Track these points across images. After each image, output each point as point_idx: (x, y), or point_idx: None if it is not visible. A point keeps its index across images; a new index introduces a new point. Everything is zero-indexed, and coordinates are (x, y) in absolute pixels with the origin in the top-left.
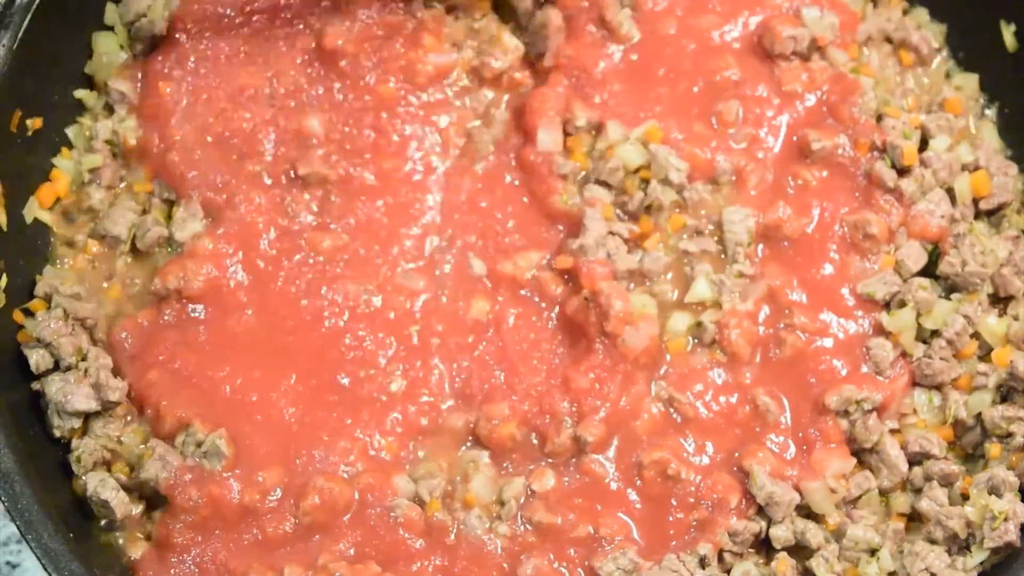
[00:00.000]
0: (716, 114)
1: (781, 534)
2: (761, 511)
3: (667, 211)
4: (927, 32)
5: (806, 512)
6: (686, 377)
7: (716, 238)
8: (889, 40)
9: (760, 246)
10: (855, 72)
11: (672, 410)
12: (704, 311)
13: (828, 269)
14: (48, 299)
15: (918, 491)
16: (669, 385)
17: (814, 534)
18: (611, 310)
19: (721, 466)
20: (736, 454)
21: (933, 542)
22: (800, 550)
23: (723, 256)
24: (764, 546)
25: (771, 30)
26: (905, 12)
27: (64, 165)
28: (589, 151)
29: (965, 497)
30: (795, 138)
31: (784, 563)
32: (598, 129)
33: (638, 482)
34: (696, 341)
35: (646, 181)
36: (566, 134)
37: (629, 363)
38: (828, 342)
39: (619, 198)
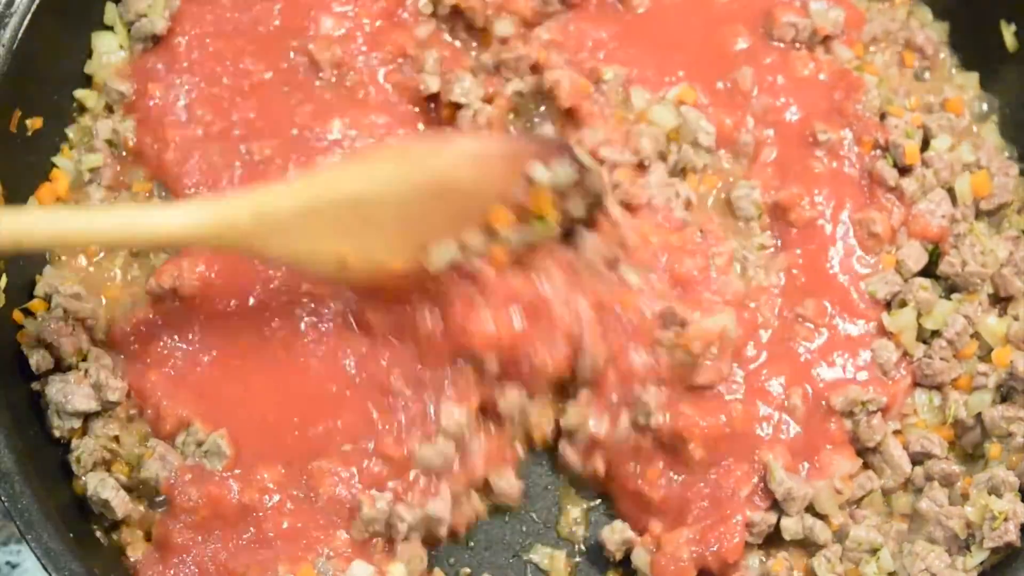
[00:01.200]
0: (732, 82)
1: (792, 526)
2: (773, 506)
3: (699, 174)
4: (930, 32)
5: (811, 513)
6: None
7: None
8: (893, 41)
9: (771, 236)
10: (859, 70)
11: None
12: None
13: (836, 265)
14: (48, 299)
15: (919, 491)
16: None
17: (822, 529)
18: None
19: (741, 461)
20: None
21: (933, 542)
22: (804, 547)
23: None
24: (766, 542)
25: (771, 15)
26: (909, 12)
27: (64, 165)
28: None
29: (965, 497)
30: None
31: (780, 563)
32: (623, 101)
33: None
34: None
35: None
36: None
37: None
38: (835, 340)
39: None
